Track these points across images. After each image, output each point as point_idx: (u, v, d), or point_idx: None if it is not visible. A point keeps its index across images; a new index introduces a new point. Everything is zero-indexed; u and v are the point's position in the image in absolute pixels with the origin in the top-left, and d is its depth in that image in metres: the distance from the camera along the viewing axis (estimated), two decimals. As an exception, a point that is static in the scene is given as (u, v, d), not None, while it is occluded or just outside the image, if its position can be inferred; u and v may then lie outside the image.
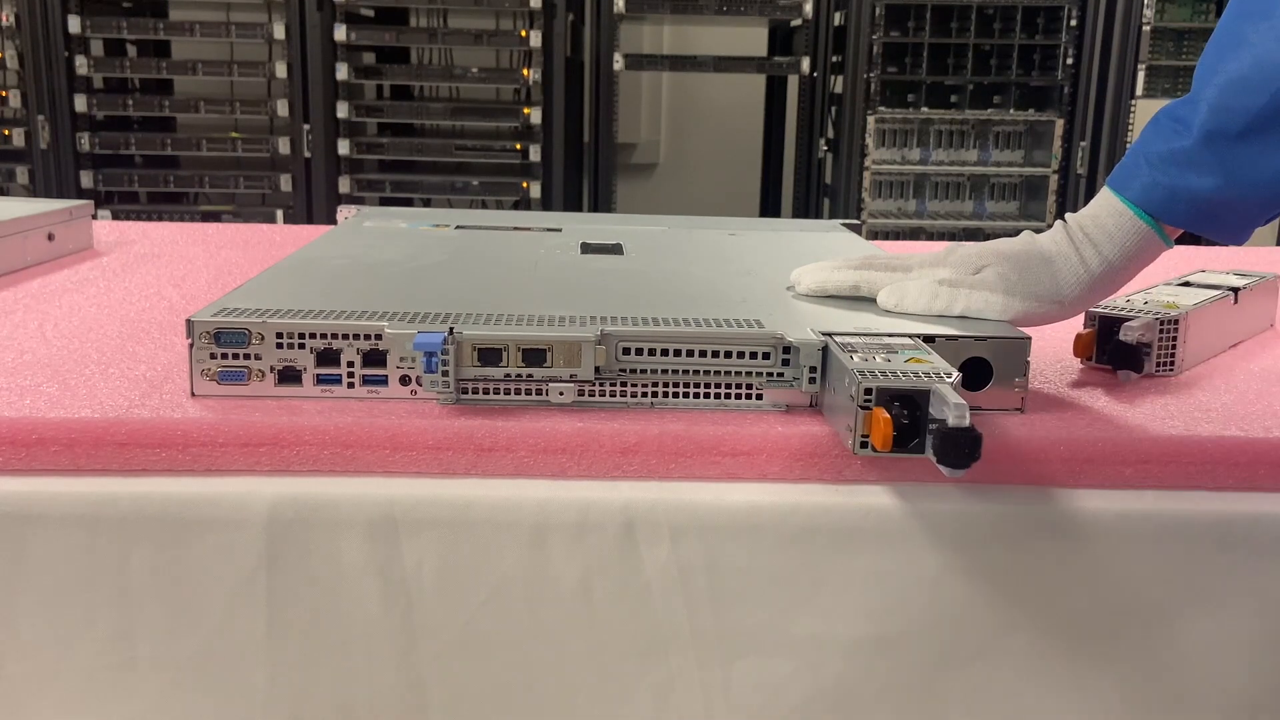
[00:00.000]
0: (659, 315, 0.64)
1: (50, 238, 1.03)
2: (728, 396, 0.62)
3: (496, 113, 2.86)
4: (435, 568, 0.56)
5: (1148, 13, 2.76)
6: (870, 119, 2.81)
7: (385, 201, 2.79)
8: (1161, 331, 0.72)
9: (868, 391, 0.52)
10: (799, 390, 0.61)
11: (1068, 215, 0.66)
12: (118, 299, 0.87)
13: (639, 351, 0.61)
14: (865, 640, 0.57)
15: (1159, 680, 0.58)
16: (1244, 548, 0.57)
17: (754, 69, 3.04)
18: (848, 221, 1.13)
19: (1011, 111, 2.88)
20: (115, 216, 2.69)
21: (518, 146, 2.82)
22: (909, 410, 0.52)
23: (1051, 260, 0.64)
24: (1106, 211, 0.64)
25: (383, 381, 0.62)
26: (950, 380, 0.53)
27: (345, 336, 0.61)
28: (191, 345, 0.61)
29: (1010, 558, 0.57)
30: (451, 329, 0.60)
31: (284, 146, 2.76)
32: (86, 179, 2.75)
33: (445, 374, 0.59)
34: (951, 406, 0.50)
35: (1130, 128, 2.79)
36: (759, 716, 0.58)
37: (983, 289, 0.65)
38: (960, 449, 0.50)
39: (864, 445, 0.53)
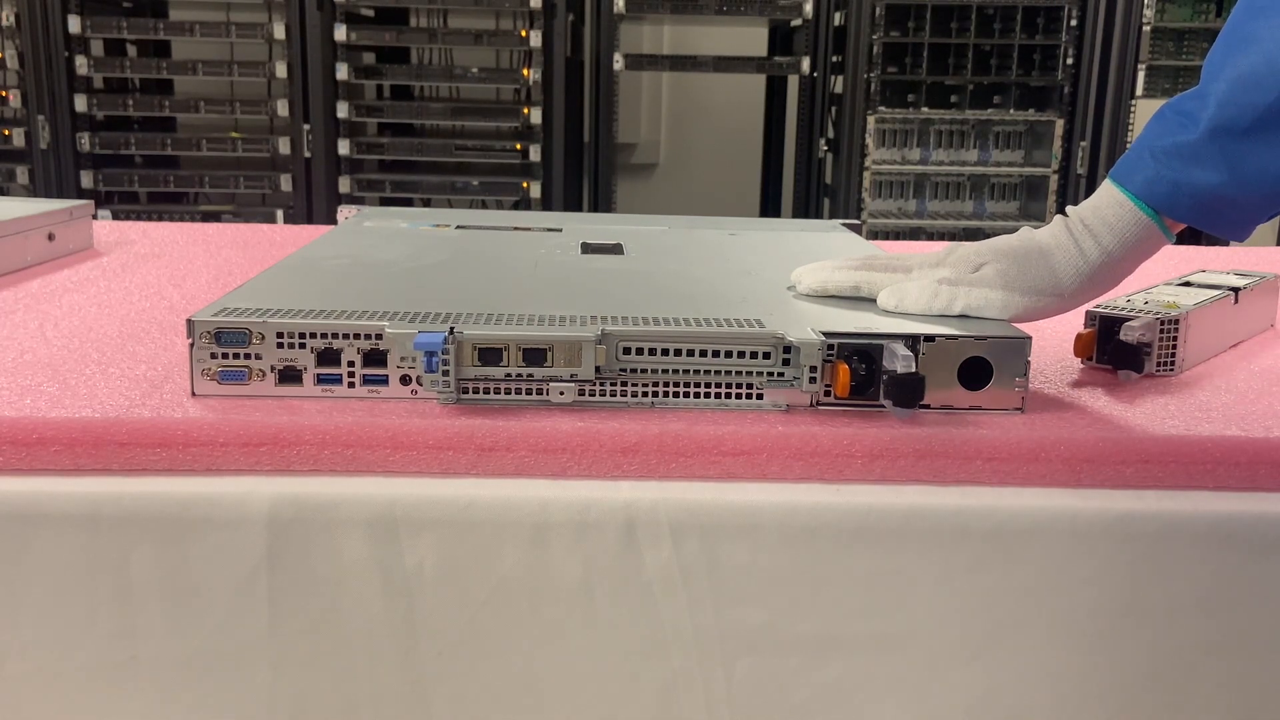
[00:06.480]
0: (659, 315, 0.64)
1: (50, 238, 1.03)
2: (728, 396, 0.62)
3: (496, 113, 2.86)
4: (436, 567, 0.56)
5: (1148, 13, 2.76)
6: (870, 119, 2.80)
7: (385, 201, 2.79)
8: (1162, 331, 0.72)
9: (830, 347, 0.61)
10: (799, 390, 0.61)
11: (1068, 209, 0.66)
12: (118, 299, 0.87)
13: (639, 351, 0.61)
14: (865, 640, 0.57)
15: (1160, 680, 0.58)
16: (1244, 548, 0.57)
17: (754, 69, 3.04)
18: (848, 221, 1.13)
19: (1011, 111, 2.88)
20: (115, 216, 2.69)
21: (518, 146, 2.82)
22: (866, 364, 0.61)
23: (1050, 253, 0.64)
24: (1107, 203, 0.64)
25: (383, 381, 0.62)
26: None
27: (345, 336, 0.61)
28: (192, 345, 0.61)
29: (1010, 558, 0.57)
30: (452, 329, 0.60)
31: (284, 146, 2.76)
32: (86, 179, 2.75)
33: (446, 374, 0.59)
34: (900, 358, 0.59)
35: (1130, 128, 2.79)
36: (760, 716, 0.58)
37: (982, 286, 0.65)
38: (907, 392, 0.59)
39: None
